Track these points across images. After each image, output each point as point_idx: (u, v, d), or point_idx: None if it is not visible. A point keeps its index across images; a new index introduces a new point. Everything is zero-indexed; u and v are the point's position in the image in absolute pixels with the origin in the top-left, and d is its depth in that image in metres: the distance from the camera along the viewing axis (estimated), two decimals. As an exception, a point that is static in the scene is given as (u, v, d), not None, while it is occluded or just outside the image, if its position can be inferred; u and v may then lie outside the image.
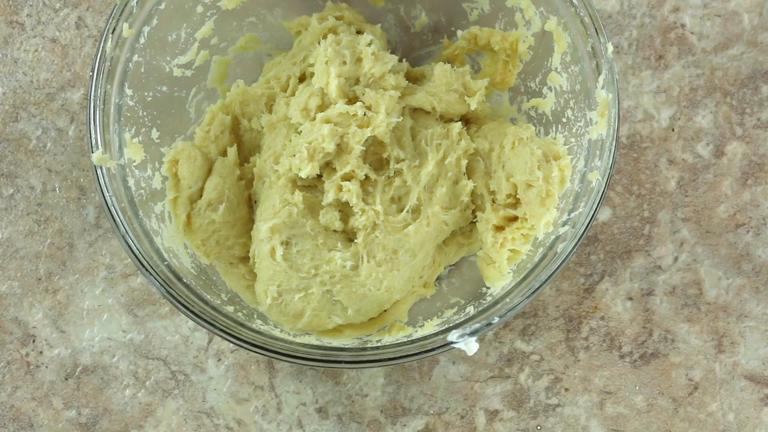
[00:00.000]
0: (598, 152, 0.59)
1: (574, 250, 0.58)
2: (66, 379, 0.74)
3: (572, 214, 0.60)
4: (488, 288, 0.66)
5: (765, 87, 0.75)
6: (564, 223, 0.60)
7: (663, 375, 0.74)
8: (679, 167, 0.75)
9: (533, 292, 0.58)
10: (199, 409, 0.74)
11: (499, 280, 0.65)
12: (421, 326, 0.66)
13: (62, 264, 0.74)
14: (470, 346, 0.58)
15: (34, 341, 0.74)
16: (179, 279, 0.59)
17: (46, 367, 0.74)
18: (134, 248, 0.58)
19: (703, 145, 0.75)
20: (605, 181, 0.58)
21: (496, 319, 0.58)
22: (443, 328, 0.61)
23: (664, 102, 0.75)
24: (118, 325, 0.74)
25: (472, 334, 0.58)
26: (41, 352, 0.74)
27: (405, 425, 0.73)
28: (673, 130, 0.75)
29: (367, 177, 0.66)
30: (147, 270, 0.58)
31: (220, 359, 0.74)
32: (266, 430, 0.73)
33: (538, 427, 0.74)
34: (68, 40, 0.76)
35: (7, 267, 0.74)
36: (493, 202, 0.67)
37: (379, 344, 0.63)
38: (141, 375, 0.74)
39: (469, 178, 0.68)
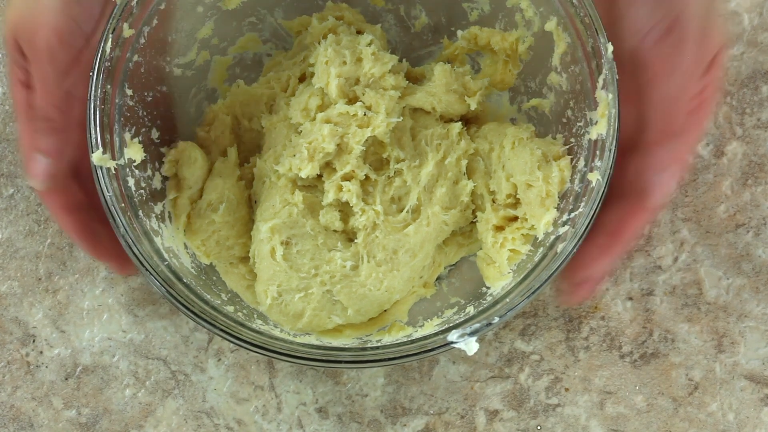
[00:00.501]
0: (598, 152, 0.59)
1: (574, 250, 0.58)
2: (66, 379, 0.74)
3: (572, 214, 0.60)
4: (488, 288, 0.66)
5: (765, 87, 0.75)
6: (564, 223, 0.60)
7: (663, 375, 0.74)
8: (679, 167, 0.75)
9: (533, 292, 0.58)
10: (199, 409, 0.74)
11: (499, 280, 0.65)
12: (421, 326, 0.66)
13: (62, 264, 0.74)
14: (470, 346, 0.58)
15: (34, 341, 0.74)
16: (179, 279, 0.59)
17: (46, 367, 0.74)
18: (134, 248, 0.58)
19: (703, 145, 0.75)
20: (605, 181, 0.58)
21: (496, 319, 0.58)
22: (443, 328, 0.61)
23: (664, 102, 0.75)
24: (118, 325, 0.74)
25: (472, 334, 0.58)
26: (41, 352, 0.74)
27: (405, 425, 0.74)
28: (673, 130, 0.75)
29: (367, 177, 0.66)
30: (147, 270, 0.58)
31: (220, 359, 0.74)
32: (266, 430, 0.74)
33: (538, 427, 0.74)
34: (68, 40, 0.76)
35: (7, 267, 0.74)
36: (493, 202, 0.67)
37: (379, 344, 0.63)
38: (141, 375, 0.74)
39: (469, 178, 0.68)
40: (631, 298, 0.74)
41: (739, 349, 0.74)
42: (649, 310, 0.74)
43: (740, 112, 0.75)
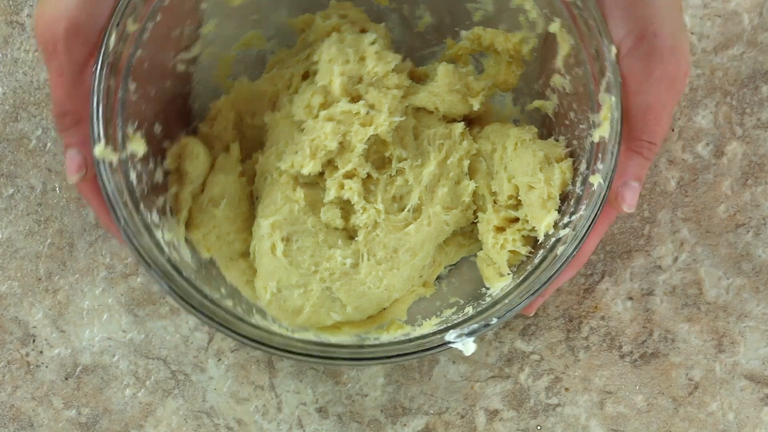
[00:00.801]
0: (600, 155, 0.59)
1: (574, 253, 0.58)
2: (66, 378, 0.74)
3: (573, 217, 0.60)
4: (488, 288, 0.66)
5: (765, 87, 0.76)
6: (565, 226, 0.60)
7: (663, 375, 0.74)
8: (679, 167, 0.75)
9: (532, 294, 0.58)
10: (199, 409, 0.74)
11: (499, 281, 0.65)
12: (419, 325, 0.66)
13: (62, 264, 0.74)
14: (468, 347, 0.58)
15: (34, 341, 0.74)
16: (179, 272, 0.59)
17: (46, 366, 0.74)
18: (134, 241, 0.58)
19: (703, 145, 0.75)
20: (606, 184, 0.58)
21: (495, 320, 0.58)
22: (442, 327, 0.61)
23: (664, 102, 0.76)
24: (118, 325, 0.74)
25: (469, 334, 0.58)
26: (41, 352, 0.74)
27: (405, 425, 0.74)
28: (673, 130, 0.75)
29: (368, 175, 0.66)
30: (147, 263, 0.58)
31: (220, 359, 0.74)
32: (266, 430, 0.73)
33: (538, 427, 0.74)
34: (69, 40, 0.76)
35: (7, 267, 0.74)
36: (495, 203, 0.67)
37: (377, 342, 0.63)
38: (141, 375, 0.74)
39: (471, 179, 0.68)
40: (631, 298, 0.74)
41: (739, 349, 0.74)
42: (649, 310, 0.74)
43: (740, 112, 0.76)
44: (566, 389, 0.74)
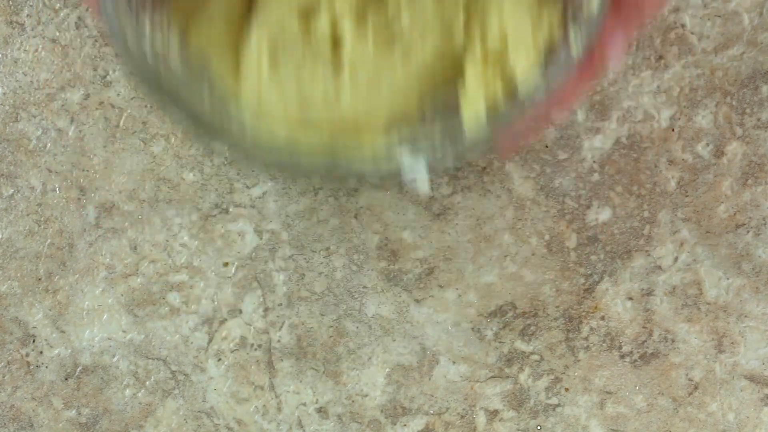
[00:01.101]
0: (584, 24, 0.58)
1: (542, 107, 0.57)
2: (66, 379, 0.74)
3: (549, 79, 0.59)
4: (463, 128, 0.65)
5: (765, 87, 0.75)
6: (540, 86, 0.59)
7: (663, 375, 0.74)
8: (679, 167, 0.75)
9: (493, 136, 0.58)
10: (199, 409, 0.74)
11: (474, 118, 0.64)
12: (393, 144, 0.65)
13: (62, 264, 0.74)
14: (419, 171, 0.57)
15: (34, 341, 0.74)
16: (161, 85, 0.58)
17: (46, 367, 0.74)
18: (122, 48, 0.56)
19: (703, 146, 0.75)
20: (580, 51, 0.58)
21: (449, 150, 0.57)
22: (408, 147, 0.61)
23: (664, 102, 0.76)
24: (118, 325, 0.74)
25: (421, 154, 0.57)
26: (41, 352, 0.74)
27: (405, 425, 0.74)
28: (673, 130, 0.75)
29: (363, 8, 0.66)
30: (137, 67, 0.57)
31: (220, 359, 0.74)
32: (266, 430, 0.74)
33: (538, 427, 0.74)
34: (68, 40, 0.76)
35: (7, 267, 0.74)
36: (483, 45, 0.67)
37: (346, 167, 0.62)
38: (141, 375, 0.74)
39: (464, 20, 0.67)
40: (631, 298, 0.74)
41: (739, 349, 0.74)
42: (649, 310, 0.74)
43: (740, 112, 0.75)
44: (566, 389, 0.74)
